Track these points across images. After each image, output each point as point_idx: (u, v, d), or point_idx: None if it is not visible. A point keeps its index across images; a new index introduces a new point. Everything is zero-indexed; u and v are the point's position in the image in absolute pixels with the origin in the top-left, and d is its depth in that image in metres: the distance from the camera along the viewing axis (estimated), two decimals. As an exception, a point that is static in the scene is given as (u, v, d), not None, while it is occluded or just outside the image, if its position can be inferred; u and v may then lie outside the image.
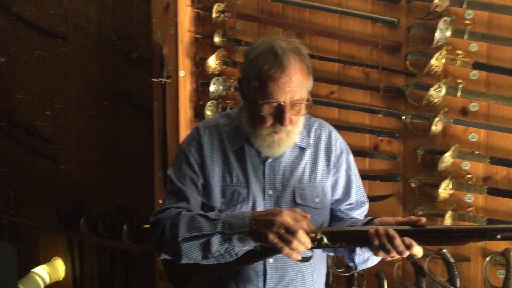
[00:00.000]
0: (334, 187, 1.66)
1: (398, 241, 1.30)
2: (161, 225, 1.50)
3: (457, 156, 2.14)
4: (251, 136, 1.55)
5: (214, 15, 2.71)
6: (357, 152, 2.38)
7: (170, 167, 1.65)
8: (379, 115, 2.33)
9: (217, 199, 1.57)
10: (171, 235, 1.45)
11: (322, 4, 2.44)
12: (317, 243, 1.36)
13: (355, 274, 2.38)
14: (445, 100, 2.19)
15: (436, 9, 2.11)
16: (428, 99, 2.14)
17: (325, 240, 1.36)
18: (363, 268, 1.62)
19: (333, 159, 1.66)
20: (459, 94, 2.11)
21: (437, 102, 2.16)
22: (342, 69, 2.44)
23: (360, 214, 1.70)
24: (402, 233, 1.32)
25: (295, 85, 1.44)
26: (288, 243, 1.30)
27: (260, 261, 1.54)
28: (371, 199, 2.34)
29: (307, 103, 1.51)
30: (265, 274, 1.55)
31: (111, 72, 3.40)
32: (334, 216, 1.69)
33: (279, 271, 1.56)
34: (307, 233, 1.32)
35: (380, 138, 2.36)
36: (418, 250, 1.33)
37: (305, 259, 1.42)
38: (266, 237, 1.31)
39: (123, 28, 3.31)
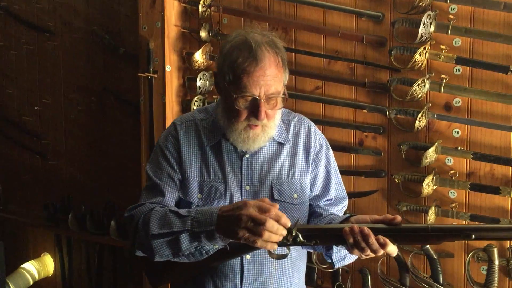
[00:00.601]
0: (313, 182, 1.65)
1: (372, 239, 1.29)
2: (134, 221, 1.49)
3: (441, 152, 2.13)
4: (227, 131, 1.53)
5: (200, 9, 2.70)
6: (342, 148, 2.38)
7: (148, 163, 1.64)
8: (364, 111, 2.31)
9: (195, 195, 1.56)
10: (144, 232, 1.44)
11: (307, -1, 2.43)
12: (292, 240, 1.34)
13: (340, 270, 2.37)
14: (429, 95, 2.18)
15: (420, 4, 2.10)
16: (411, 95, 2.13)
17: (301, 237, 1.34)
18: (341, 266, 1.61)
19: (312, 154, 1.64)
20: (442, 89, 2.10)
21: (421, 97, 2.14)
22: (328, 64, 2.43)
23: (339, 210, 1.69)
24: (376, 232, 1.31)
25: (270, 78, 1.43)
26: (259, 235, 1.26)
27: (237, 258, 1.53)
28: (356, 195, 2.35)
29: (283, 96, 1.49)
30: (242, 270, 1.54)
31: (99, 67, 3.38)
32: (313, 212, 1.67)
33: (256, 268, 1.55)
34: (278, 221, 1.28)
35: (365, 133, 2.34)
36: (392, 249, 1.31)
37: (281, 257, 1.40)
38: (236, 234, 1.28)
39: (110, 23, 3.29)
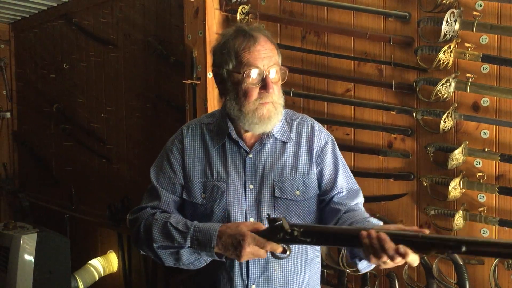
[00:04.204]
0: (320, 178, 1.66)
1: (389, 244, 1.22)
2: (136, 225, 1.62)
3: (468, 154, 2.04)
4: (241, 119, 1.58)
5: (239, 16, 2.79)
6: (371, 150, 2.36)
7: (152, 166, 1.74)
8: (392, 112, 2.28)
9: (198, 195, 1.64)
10: (147, 240, 1.56)
11: (337, 2, 2.44)
12: (289, 238, 1.38)
13: (368, 274, 2.34)
14: (457, 95, 2.10)
15: (444, 1, 2.04)
16: (436, 95, 2.07)
17: (296, 233, 1.37)
18: (367, 270, 1.57)
19: (316, 150, 1.66)
20: (468, 89, 2.02)
21: (447, 97, 2.08)
22: (357, 66, 2.41)
23: (360, 203, 1.66)
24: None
25: (269, 51, 1.55)
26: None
27: None
28: (386, 198, 2.32)
29: (282, 68, 1.59)
30: (247, 266, 1.59)
31: (153, 75, 3.58)
32: (330, 209, 1.64)
33: (261, 263, 1.59)
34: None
35: (394, 135, 2.30)
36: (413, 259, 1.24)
37: (280, 257, 1.45)
38: (238, 259, 1.44)
39: (163, 33, 3.48)
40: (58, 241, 3.51)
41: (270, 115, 1.56)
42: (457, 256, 2.04)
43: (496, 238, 2.03)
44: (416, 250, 1.22)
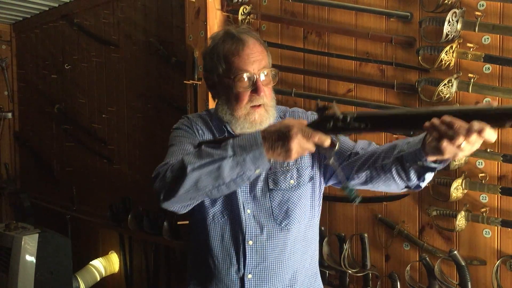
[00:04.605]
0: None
1: (459, 121, 1.10)
2: (162, 173, 1.44)
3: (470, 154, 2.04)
4: (233, 123, 1.58)
5: (240, 17, 2.78)
6: (373, 151, 2.35)
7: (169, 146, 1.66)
8: (394, 113, 2.27)
9: None
10: (179, 172, 1.37)
11: (338, 2, 2.43)
12: (342, 125, 1.23)
13: (370, 274, 2.34)
14: (459, 96, 2.10)
15: (446, 1, 2.03)
16: (437, 95, 2.06)
17: (349, 119, 1.23)
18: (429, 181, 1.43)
19: None
20: (470, 89, 2.01)
21: (449, 98, 2.07)
22: (359, 67, 2.41)
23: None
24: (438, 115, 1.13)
25: (258, 54, 1.55)
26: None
27: (240, 244, 1.59)
28: (388, 198, 2.31)
29: (273, 70, 1.58)
30: (244, 256, 1.59)
31: (154, 75, 3.58)
32: (361, 165, 1.53)
33: (258, 253, 1.59)
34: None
35: (396, 136, 2.29)
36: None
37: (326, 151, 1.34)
38: (288, 157, 1.27)
39: (165, 34, 3.47)
40: (59, 242, 3.51)
41: (262, 120, 1.56)
42: (458, 257, 2.03)
43: (498, 240, 2.03)
44: (490, 123, 1.08)
